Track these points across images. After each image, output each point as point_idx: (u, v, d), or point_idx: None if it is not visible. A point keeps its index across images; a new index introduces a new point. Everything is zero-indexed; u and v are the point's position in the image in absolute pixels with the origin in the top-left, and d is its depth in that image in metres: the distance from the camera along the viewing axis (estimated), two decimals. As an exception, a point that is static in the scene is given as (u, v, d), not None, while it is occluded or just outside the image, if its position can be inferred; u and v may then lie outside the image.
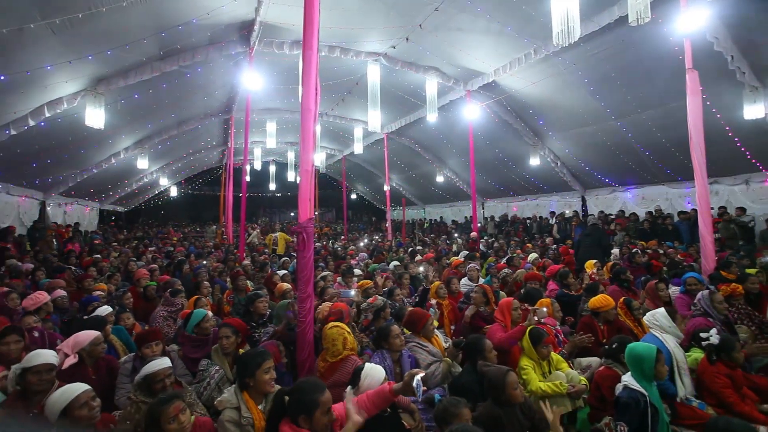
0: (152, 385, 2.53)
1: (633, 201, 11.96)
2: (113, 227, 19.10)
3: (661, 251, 7.80)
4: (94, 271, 6.74)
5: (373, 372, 2.52)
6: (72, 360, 3.00)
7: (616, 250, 8.01)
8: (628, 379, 2.63)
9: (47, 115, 7.49)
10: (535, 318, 3.46)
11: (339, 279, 6.26)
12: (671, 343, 3.23)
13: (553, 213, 13.89)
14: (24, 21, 5.04)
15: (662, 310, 3.55)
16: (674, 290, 4.95)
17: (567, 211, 13.45)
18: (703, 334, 3.23)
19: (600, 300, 3.99)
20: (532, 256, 7.87)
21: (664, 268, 6.38)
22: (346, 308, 3.75)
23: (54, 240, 10.65)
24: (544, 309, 3.89)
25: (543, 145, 12.14)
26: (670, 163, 10.00)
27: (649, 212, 10.84)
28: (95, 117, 7.74)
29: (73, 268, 7.17)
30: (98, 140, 10.28)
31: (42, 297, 4.36)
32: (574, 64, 8.47)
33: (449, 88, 10.87)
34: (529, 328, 3.36)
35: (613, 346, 3.06)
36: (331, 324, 3.24)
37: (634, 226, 10.43)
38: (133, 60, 7.66)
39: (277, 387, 2.52)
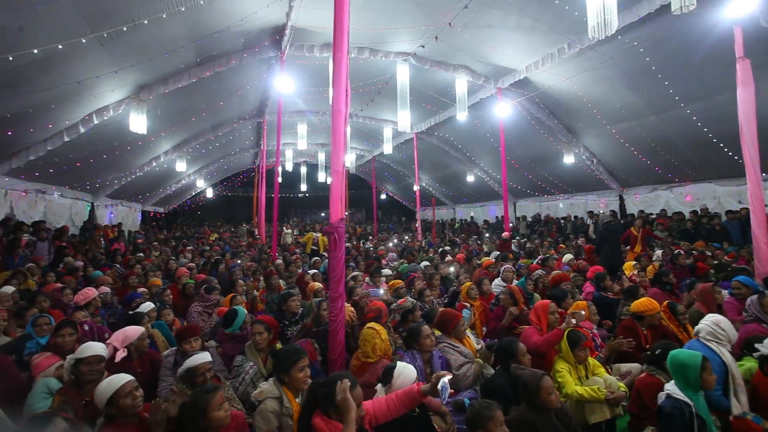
0: (194, 378, 2.65)
1: (676, 200, 11.34)
2: (154, 227, 20.04)
3: (708, 253, 7.36)
4: (139, 269, 7.11)
5: (406, 371, 2.54)
6: (122, 354, 3.18)
7: (658, 252, 7.63)
8: (671, 387, 2.48)
9: (95, 122, 7.97)
10: (573, 321, 3.35)
11: (367, 279, 6.30)
12: (729, 356, 2.96)
13: (590, 213, 13.35)
14: (76, 35, 5.38)
15: (725, 319, 3.14)
16: (723, 294, 4.65)
17: (603, 211, 12.94)
18: (757, 345, 3.01)
19: (644, 303, 3.80)
20: (567, 257, 7.62)
21: (711, 271, 6.01)
22: (384, 307, 3.77)
23: (102, 239, 11.30)
24: (582, 312, 3.75)
25: (577, 142, 11.73)
26: (717, 160, 9.40)
27: (694, 211, 10.24)
28: (138, 123, 8.17)
29: (118, 266, 7.61)
30: (140, 145, 10.83)
31: (91, 293, 4.64)
32: (611, 58, 8.11)
33: (479, 86, 10.70)
34: (566, 331, 3.27)
35: (656, 352, 2.91)
36: (369, 324, 3.27)
37: (677, 226, 9.90)
38: (172, 67, 8.02)
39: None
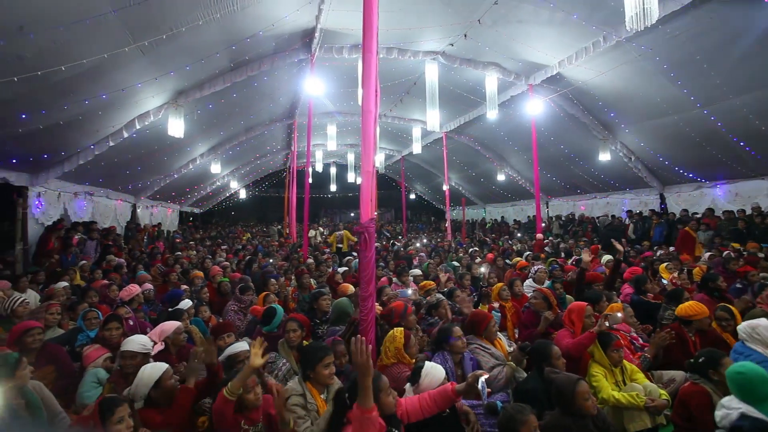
0: (234, 365, 2.80)
1: (724, 198, 10.64)
2: (191, 227, 20.88)
3: (761, 255, 6.88)
4: (178, 268, 7.44)
5: (434, 371, 2.53)
6: (159, 347, 3.34)
7: (706, 254, 7.21)
8: (742, 405, 2.22)
9: (137, 127, 8.38)
10: (606, 323, 3.21)
11: (395, 279, 6.29)
12: None
13: (630, 212, 12.71)
14: (120, 46, 5.68)
15: (764, 322, 3.01)
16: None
17: (643, 210, 12.36)
18: None
19: (691, 307, 3.59)
20: (605, 257, 7.33)
21: (761, 274, 5.60)
22: (400, 306, 3.75)
23: (144, 239, 11.90)
24: (618, 314, 3.61)
25: (614, 139, 11.25)
26: (770, 154, 8.79)
27: (742, 210, 9.60)
28: (176, 127, 8.53)
29: (159, 264, 7.98)
30: (178, 148, 11.30)
31: (135, 289, 4.90)
32: (651, 49, 7.73)
33: (510, 83, 10.47)
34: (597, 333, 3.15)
35: (700, 360, 2.74)
36: (396, 327, 3.27)
37: (726, 226, 9.30)
38: (207, 73, 8.32)
39: (338, 382, 2.64)
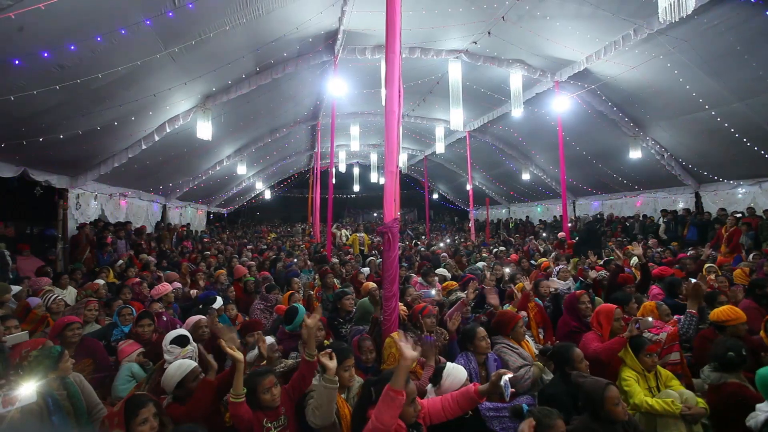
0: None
1: (765, 196, 10.09)
2: (218, 227, 21.46)
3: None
4: (204, 266, 7.66)
5: (455, 372, 2.52)
6: None
7: (750, 256, 6.85)
8: None
9: (168, 130, 8.69)
10: (637, 327, 3.09)
11: (420, 279, 6.26)
12: None
13: (665, 211, 12.22)
14: (153, 53, 5.91)
15: None
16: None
17: (677, 208, 11.85)
18: None
19: (726, 312, 3.37)
20: (635, 259, 7.07)
21: None
22: (416, 310, 3.69)
23: (174, 238, 12.32)
24: (650, 319, 3.47)
25: (645, 135, 10.85)
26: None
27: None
28: (204, 130, 8.79)
29: (188, 263, 8.25)
30: (206, 150, 11.64)
31: (166, 287, 5.08)
32: (685, 41, 7.40)
33: (535, 80, 10.27)
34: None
35: (728, 354, 2.63)
36: (392, 334, 3.26)
37: (768, 226, 8.81)
38: (233, 76, 8.53)
39: (359, 379, 2.66)
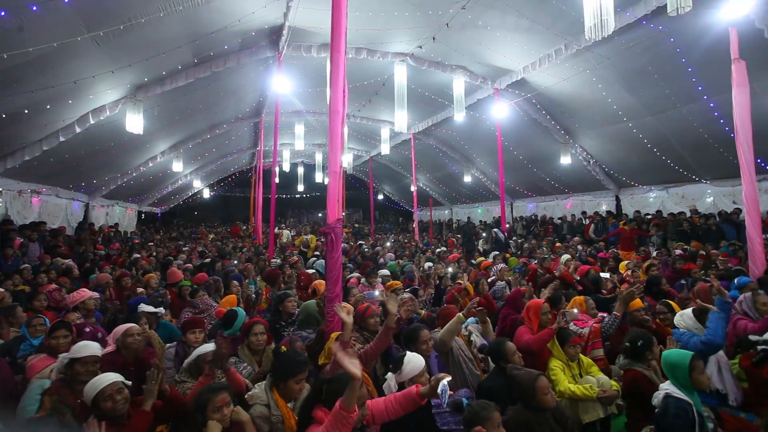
0: (201, 366, 2.74)
1: (671, 200, 11.41)
2: (150, 228, 19.95)
3: (704, 253, 7.39)
4: (134, 271, 7.06)
5: (414, 359, 2.68)
6: (110, 348, 3.17)
7: (654, 253, 7.67)
8: (669, 387, 2.47)
9: (92, 122, 7.93)
10: (564, 320, 3.35)
11: (363, 280, 6.26)
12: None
13: (584, 213, 13.43)
14: (72, 35, 5.35)
15: (689, 310, 3.43)
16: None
17: (600, 210, 12.99)
18: (752, 337, 3.08)
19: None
20: (565, 257, 7.63)
21: (699, 271, 5.99)
22: (359, 310, 3.69)
23: (99, 239, 11.24)
24: (575, 310, 3.75)
25: (574, 143, 11.78)
26: (712, 160, 9.46)
27: (681, 212, 10.36)
28: (135, 123, 8.13)
29: (113, 266, 7.56)
30: (137, 145, 10.79)
31: (83, 293, 4.57)
32: (608, 59, 8.16)
33: (477, 86, 10.73)
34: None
35: (638, 343, 2.97)
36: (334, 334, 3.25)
37: (673, 227, 9.93)
38: (169, 67, 7.99)
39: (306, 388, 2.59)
